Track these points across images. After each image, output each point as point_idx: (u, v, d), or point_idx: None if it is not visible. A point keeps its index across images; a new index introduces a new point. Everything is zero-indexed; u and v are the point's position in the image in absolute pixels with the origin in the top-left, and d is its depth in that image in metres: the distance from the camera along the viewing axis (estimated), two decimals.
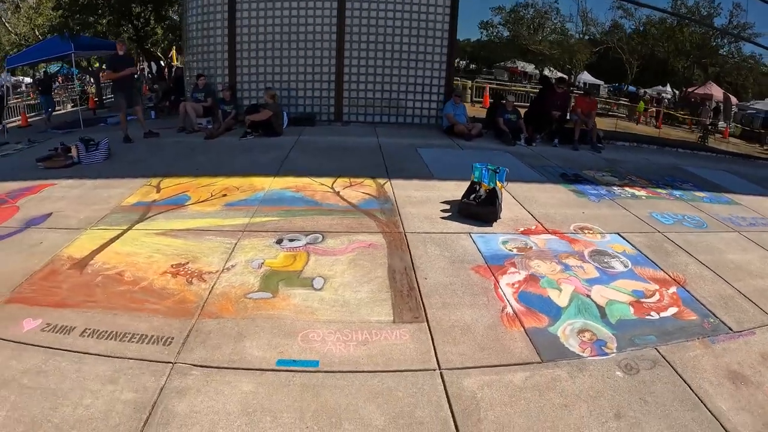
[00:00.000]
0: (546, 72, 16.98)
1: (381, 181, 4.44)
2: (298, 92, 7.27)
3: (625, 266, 3.16)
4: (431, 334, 2.28)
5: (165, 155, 5.75)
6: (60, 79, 14.53)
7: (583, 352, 2.21)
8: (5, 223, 3.76)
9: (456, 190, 4.30)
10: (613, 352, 2.21)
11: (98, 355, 2.12)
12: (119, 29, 10.82)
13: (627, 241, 3.54)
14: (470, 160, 5.58)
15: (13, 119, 11.19)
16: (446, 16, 6.92)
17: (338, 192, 4.10)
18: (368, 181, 4.41)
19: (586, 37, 15.79)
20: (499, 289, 2.72)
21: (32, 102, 12.23)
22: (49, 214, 3.85)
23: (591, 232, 3.67)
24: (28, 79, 20.67)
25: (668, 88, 15.36)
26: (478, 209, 3.63)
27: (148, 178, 4.68)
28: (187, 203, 3.90)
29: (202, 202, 3.92)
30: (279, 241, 3.12)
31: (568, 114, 6.85)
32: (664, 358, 2.18)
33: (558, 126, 6.58)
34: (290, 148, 5.75)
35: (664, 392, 1.97)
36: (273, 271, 2.76)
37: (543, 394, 1.93)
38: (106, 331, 2.28)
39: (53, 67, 14.64)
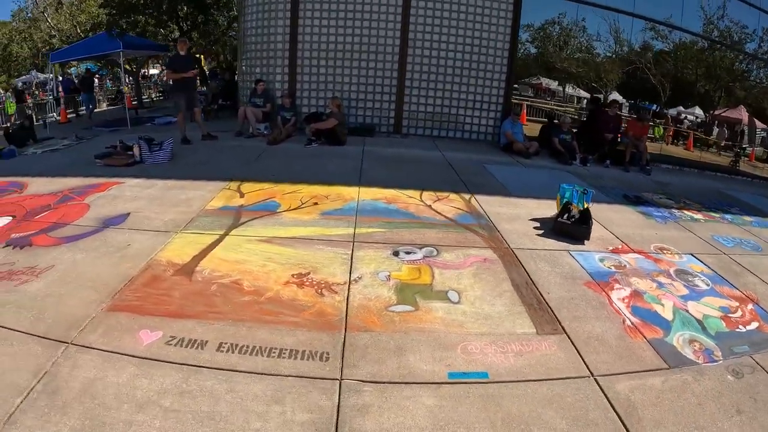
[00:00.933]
0: (569, 89, 17.49)
1: (465, 196, 4.68)
2: (358, 102, 7.53)
3: (707, 285, 3.44)
4: (574, 345, 2.50)
5: (232, 159, 5.93)
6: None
7: (698, 359, 2.50)
8: (78, 221, 3.79)
9: (537, 208, 4.58)
10: (720, 360, 2.52)
11: (249, 372, 2.06)
12: (164, 29, 11.05)
13: (701, 261, 3.83)
14: (538, 178, 5.89)
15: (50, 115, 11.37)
16: (507, 36, 7.27)
17: (429, 205, 4.33)
18: (453, 196, 4.65)
19: (614, 56, 16.35)
20: (614, 304, 2.97)
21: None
22: (127, 215, 3.91)
23: (669, 252, 3.95)
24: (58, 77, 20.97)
25: (697, 110, 15.93)
26: (572, 229, 3.89)
27: (224, 181, 4.84)
28: (278, 210, 4.03)
29: (294, 209, 4.06)
30: (396, 254, 3.28)
31: (619, 136, 7.18)
32: (759, 364, 2.50)
33: (610, 148, 6.92)
34: (360, 158, 5.98)
35: (766, 392, 2.29)
36: (404, 284, 2.89)
37: (680, 395, 2.20)
38: (248, 346, 2.23)
39: (88, 66, 14.90)
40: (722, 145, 14.03)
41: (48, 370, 2.06)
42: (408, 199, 4.47)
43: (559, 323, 2.68)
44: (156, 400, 1.89)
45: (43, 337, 2.30)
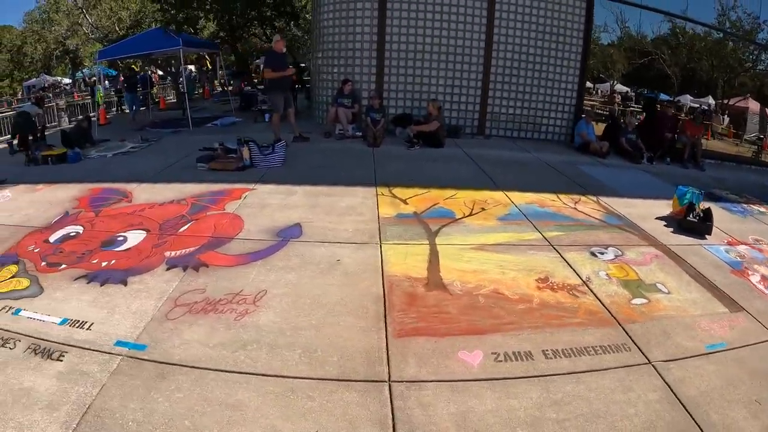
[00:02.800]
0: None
1: (592, 197, 5.74)
2: (444, 104, 8.37)
3: None
4: (756, 318, 3.64)
5: (349, 162, 6.54)
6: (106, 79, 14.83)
7: None
8: (241, 235, 4.05)
9: (651, 207, 5.74)
10: None
11: (590, 371, 2.55)
12: (219, 26, 11.25)
13: None
14: (628, 177, 7.13)
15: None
16: (580, 40, 8.43)
17: (575, 207, 5.34)
18: (584, 198, 5.72)
19: (623, 47, 18.13)
20: (756, 286, 4.16)
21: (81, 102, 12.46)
22: (298, 225, 4.26)
23: (764, 242, 5.31)
24: (66, 80, 20.46)
25: (710, 100, 18.17)
26: (699, 225, 5.11)
27: (366, 186, 5.46)
28: (457, 217, 4.73)
29: (470, 216, 4.80)
30: (593, 254, 4.20)
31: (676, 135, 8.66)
32: None
33: (669, 146, 8.38)
34: (470, 161, 6.91)
35: None
36: (623, 281, 3.74)
37: None
38: (566, 350, 2.70)
39: (99, 69, 15.08)
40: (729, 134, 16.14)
41: (396, 416, 2.12)
42: (551, 202, 5.50)
43: (737, 303, 3.86)
44: (540, 416, 2.17)
45: (344, 380, 2.32)
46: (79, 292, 3.24)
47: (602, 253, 4.35)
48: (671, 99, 17.63)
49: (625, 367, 2.66)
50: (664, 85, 19.08)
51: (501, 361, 2.55)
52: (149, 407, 2.18)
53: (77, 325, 2.86)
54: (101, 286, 3.32)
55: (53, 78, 21.44)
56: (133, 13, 16.72)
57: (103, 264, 3.64)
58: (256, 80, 13.94)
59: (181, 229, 4.21)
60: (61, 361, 2.52)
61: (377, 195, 5.27)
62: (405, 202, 5.15)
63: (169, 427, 2.07)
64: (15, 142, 8.24)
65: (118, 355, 2.56)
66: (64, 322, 2.90)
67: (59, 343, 2.67)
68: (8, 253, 3.89)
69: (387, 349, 2.57)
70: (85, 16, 18.32)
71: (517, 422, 2.15)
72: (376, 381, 2.29)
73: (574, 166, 7.26)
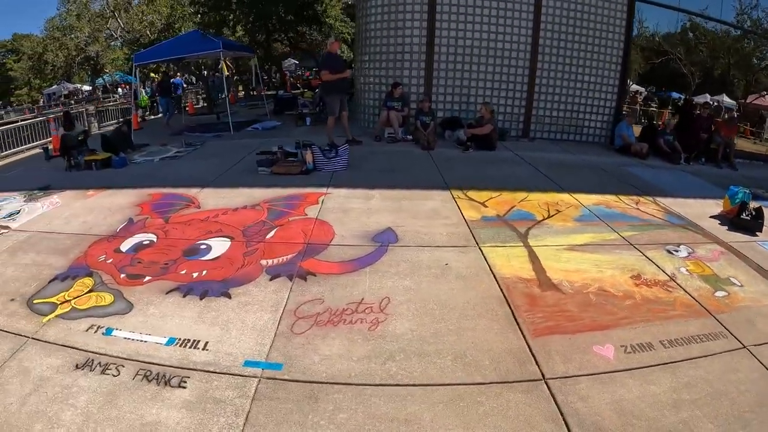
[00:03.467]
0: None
1: (649, 198, 6.33)
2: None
3: None
4: None
5: (412, 165, 6.96)
6: (123, 86, 15.23)
7: None
8: (336, 241, 4.17)
9: (702, 206, 6.36)
10: None
11: (703, 356, 2.95)
12: (254, 31, 11.62)
13: None
14: (673, 178, 7.76)
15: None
16: (621, 42, 9.06)
17: (637, 208, 5.92)
18: (642, 199, 6.31)
19: (638, 46, 18.96)
20: None
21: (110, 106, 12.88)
22: (391, 230, 4.49)
23: None
24: (86, 87, 20.75)
25: (724, 98, 19.08)
26: (752, 223, 5.76)
27: (439, 190, 5.88)
28: (539, 219, 5.19)
29: (549, 218, 5.26)
30: (669, 252, 4.76)
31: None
32: None
33: (704, 147, 9.09)
34: (526, 163, 7.45)
35: None
36: (702, 276, 4.25)
37: None
38: (678, 339, 3.09)
39: (117, 75, 15.71)
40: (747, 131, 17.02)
41: (563, 411, 2.35)
42: (615, 203, 6.07)
43: None
44: (678, 398, 2.52)
45: (504, 382, 2.50)
46: (177, 307, 3.12)
47: (677, 251, 4.94)
48: (685, 97, 18.55)
49: (728, 351, 3.11)
50: (678, 84, 19.98)
51: (630, 352, 2.88)
52: None
53: (189, 345, 2.70)
54: (201, 299, 3.20)
55: (73, 85, 21.97)
56: (164, 17, 17.03)
57: (194, 275, 3.53)
58: (276, 84, 14.38)
59: (268, 236, 4.26)
60: (184, 387, 2.35)
61: (454, 198, 5.70)
62: (484, 205, 5.59)
63: None
64: (50, 147, 8.54)
65: (253, 377, 2.43)
66: (171, 342, 2.73)
67: (175, 366, 2.50)
68: (77, 264, 3.74)
69: (530, 348, 2.81)
70: (116, 19, 18.67)
71: (662, 405, 2.49)
72: (533, 380, 2.50)
73: (621, 167, 7.89)
